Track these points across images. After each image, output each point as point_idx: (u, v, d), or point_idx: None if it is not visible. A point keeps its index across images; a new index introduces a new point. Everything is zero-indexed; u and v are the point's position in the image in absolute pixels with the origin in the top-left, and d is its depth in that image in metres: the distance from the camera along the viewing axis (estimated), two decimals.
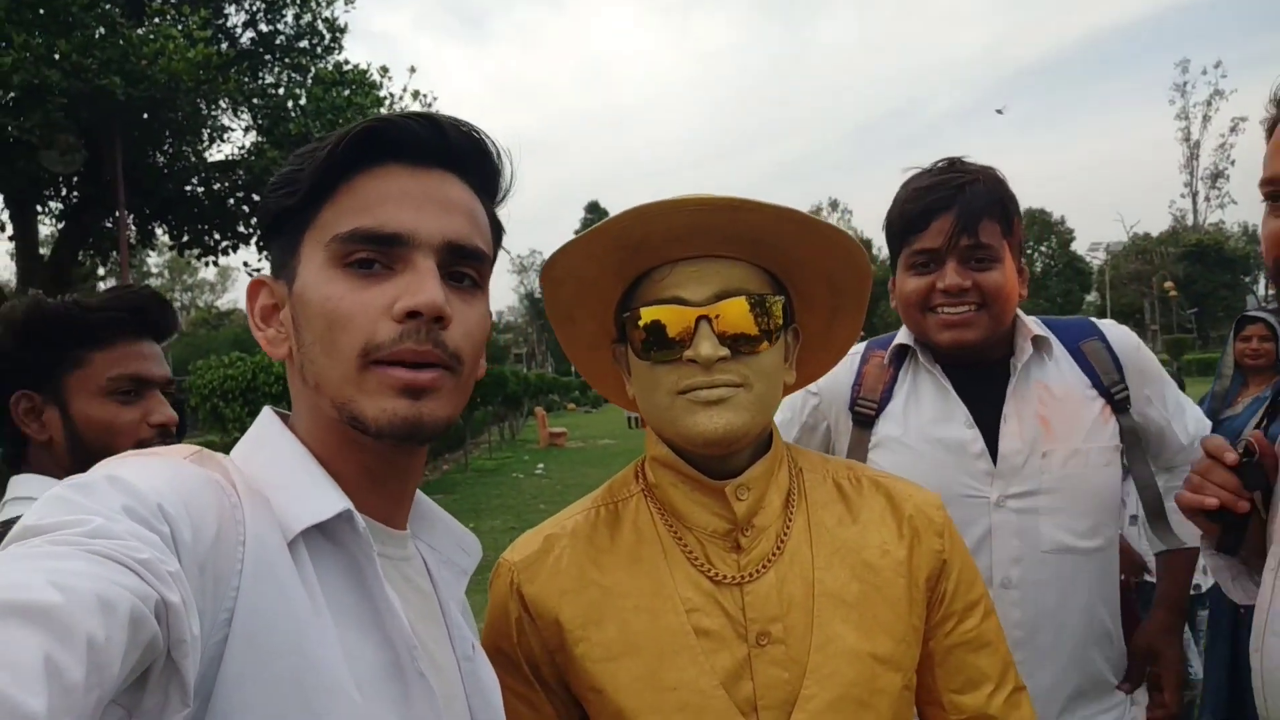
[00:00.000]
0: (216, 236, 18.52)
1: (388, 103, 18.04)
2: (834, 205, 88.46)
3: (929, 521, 1.16)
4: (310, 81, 17.64)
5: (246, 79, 17.53)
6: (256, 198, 17.94)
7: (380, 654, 0.78)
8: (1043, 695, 1.54)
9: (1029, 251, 75.23)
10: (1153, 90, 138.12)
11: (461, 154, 0.86)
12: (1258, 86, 1.39)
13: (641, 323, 1.06)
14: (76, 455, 1.45)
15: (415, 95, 18.64)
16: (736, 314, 1.03)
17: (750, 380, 1.04)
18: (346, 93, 17.17)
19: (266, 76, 18.33)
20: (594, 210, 67.41)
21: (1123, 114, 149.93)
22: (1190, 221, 74.35)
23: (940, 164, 1.64)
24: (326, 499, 0.78)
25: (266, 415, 0.87)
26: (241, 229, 18.17)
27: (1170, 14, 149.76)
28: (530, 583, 1.12)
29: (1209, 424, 1.69)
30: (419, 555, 0.94)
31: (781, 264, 1.10)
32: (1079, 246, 78.88)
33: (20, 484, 1.46)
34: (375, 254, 0.80)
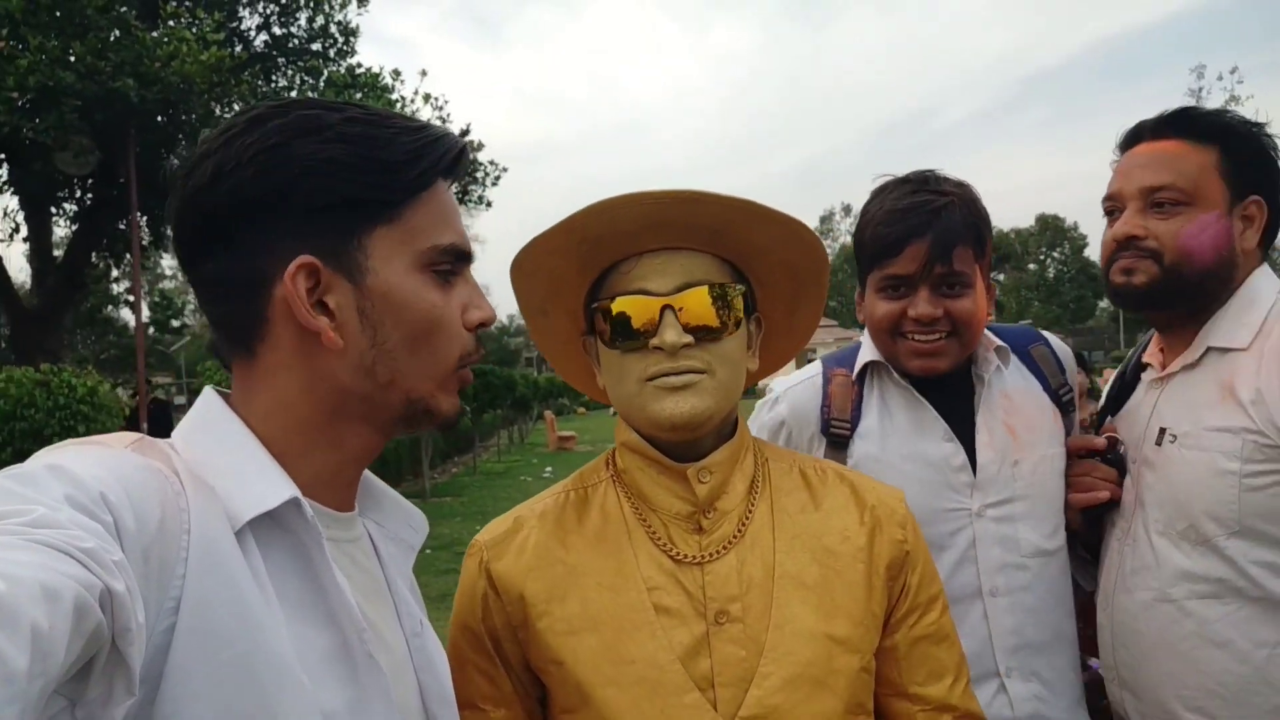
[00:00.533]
0: None
1: (399, 106, 18.06)
2: (847, 210, 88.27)
3: (891, 512, 1.19)
4: (323, 84, 17.67)
5: (260, 82, 17.57)
6: None
7: (328, 638, 0.79)
8: (1049, 696, 1.58)
9: (1042, 258, 74.80)
10: (1168, 96, 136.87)
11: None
12: (1275, 93, 1.47)
13: (609, 313, 1.10)
14: None
15: (427, 99, 18.70)
16: (699, 303, 1.08)
17: (713, 366, 1.09)
18: (359, 96, 17.20)
19: (280, 79, 18.39)
20: None
21: (1137, 119, 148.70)
22: None
23: (913, 178, 1.62)
24: (273, 486, 0.78)
25: (210, 397, 0.85)
26: None
27: (1187, 19, 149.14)
28: (498, 560, 1.17)
29: None
30: (366, 535, 0.95)
31: (742, 254, 1.14)
32: (1092, 252, 78.42)
33: None
34: (453, 267, 0.88)
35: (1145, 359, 1.69)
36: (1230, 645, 1.45)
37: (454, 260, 0.87)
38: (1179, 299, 1.54)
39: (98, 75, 13.01)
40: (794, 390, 1.73)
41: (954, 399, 1.64)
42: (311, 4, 18.12)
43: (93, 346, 36.94)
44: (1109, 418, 1.74)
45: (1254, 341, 1.47)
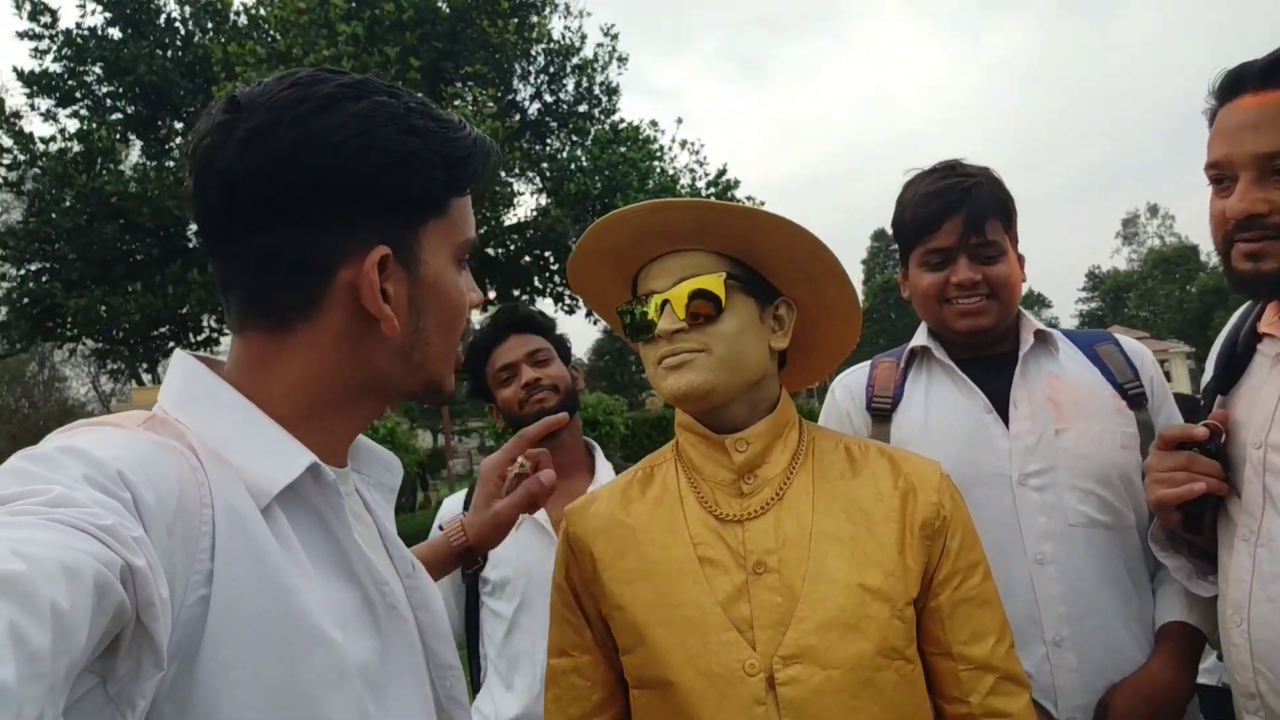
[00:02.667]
0: (515, 292, 20.07)
1: (658, 154, 18.66)
2: (1153, 211, 79.17)
3: (925, 479, 1.30)
4: (589, 142, 18.68)
5: (537, 147, 18.94)
6: (547, 255, 19.31)
7: (354, 594, 0.82)
8: (1092, 670, 1.58)
9: None
10: None
11: None
12: None
13: (625, 313, 1.31)
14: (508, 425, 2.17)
15: (683, 145, 19.21)
16: (689, 294, 1.24)
17: (710, 345, 1.23)
18: (622, 150, 17.98)
19: (553, 142, 19.71)
20: (880, 238, 64.47)
21: None
22: None
23: (940, 167, 1.79)
24: (289, 455, 0.79)
25: (193, 365, 0.84)
26: (536, 283, 19.56)
27: None
28: (575, 525, 1.37)
29: None
30: (353, 486, 0.97)
31: (733, 246, 1.28)
32: None
33: None
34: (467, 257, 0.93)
35: (1262, 329, 1.44)
36: None
37: (469, 251, 0.92)
38: None
39: None
40: (847, 378, 1.92)
41: (998, 380, 1.74)
42: (577, 70, 19.33)
43: None
44: (1218, 398, 1.53)
45: None
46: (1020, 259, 1.80)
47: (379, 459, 1.02)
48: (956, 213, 1.69)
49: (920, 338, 1.84)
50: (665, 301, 1.25)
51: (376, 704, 0.79)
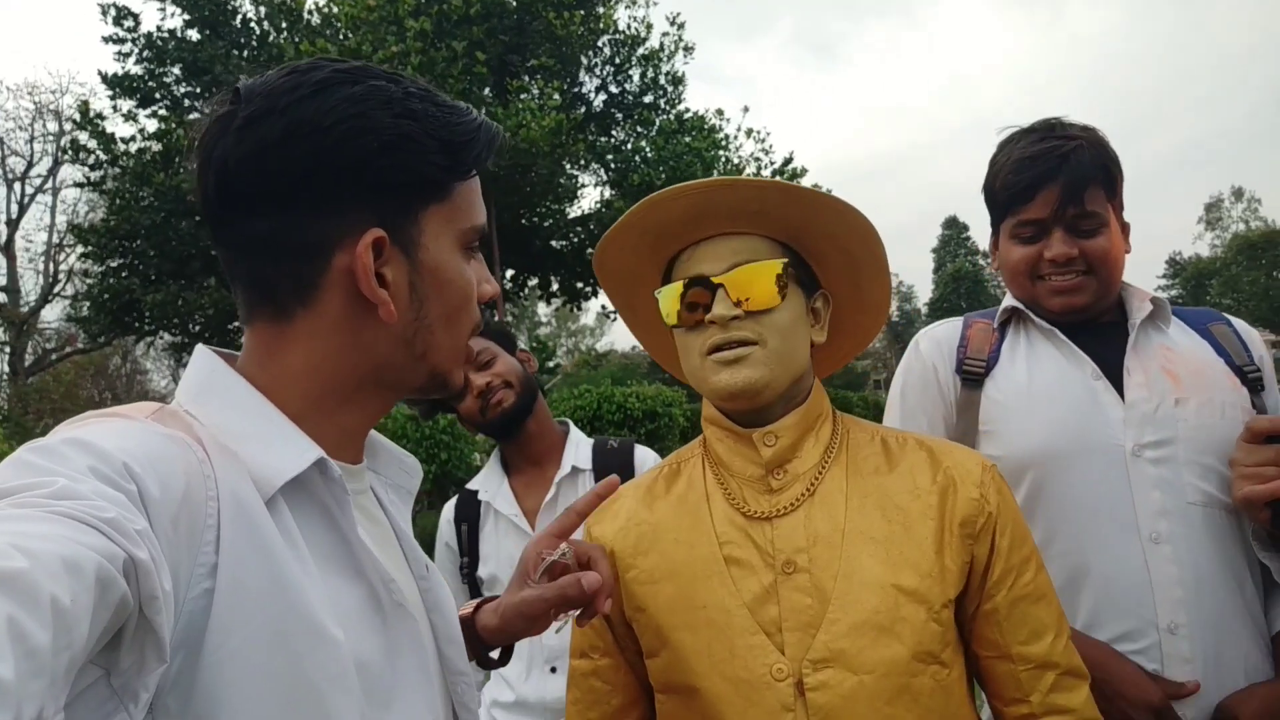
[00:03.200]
0: (579, 284, 20.16)
1: (724, 143, 18.52)
2: (1238, 195, 75.66)
3: (966, 473, 1.23)
4: (654, 133, 18.63)
5: (602, 139, 18.94)
6: None
7: (359, 590, 0.81)
8: (1206, 663, 1.45)
9: None
10: None
11: None
12: None
13: (671, 296, 1.23)
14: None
15: (749, 133, 19.04)
16: (745, 279, 1.18)
17: (764, 336, 1.17)
18: (687, 139, 17.88)
19: (618, 133, 19.71)
20: (951, 225, 62.89)
21: None
22: None
23: (1039, 127, 1.66)
24: (297, 449, 0.79)
25: (210, 359, 0.84)
26: None
27: None
28: (597, 525, 1.34)
29: None
30: (368, 484, 0.97)
31: (789, 232, 1.23)
32: None
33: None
34: (475, 245, 0.91)
35: None
36: None
37: (477, 238, 0.90)
38: None
39: None
40: (935, 330, 1.78)
41: (1105, 348, 1.61)
42: (643, 60, 19.28)
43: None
44: None
45: None
46: (1124, 228, 1.67)
47: (397, 461, 1.03)
48: (1052, 181, 1.57)
49: (1012, 299, 1.72)
50: (719, 286, 1.19)
51: (374, 702, 0.78)
